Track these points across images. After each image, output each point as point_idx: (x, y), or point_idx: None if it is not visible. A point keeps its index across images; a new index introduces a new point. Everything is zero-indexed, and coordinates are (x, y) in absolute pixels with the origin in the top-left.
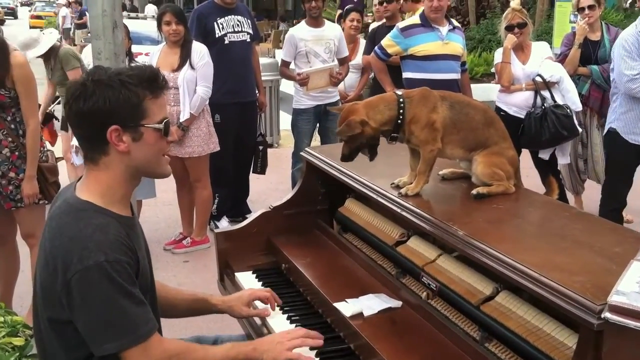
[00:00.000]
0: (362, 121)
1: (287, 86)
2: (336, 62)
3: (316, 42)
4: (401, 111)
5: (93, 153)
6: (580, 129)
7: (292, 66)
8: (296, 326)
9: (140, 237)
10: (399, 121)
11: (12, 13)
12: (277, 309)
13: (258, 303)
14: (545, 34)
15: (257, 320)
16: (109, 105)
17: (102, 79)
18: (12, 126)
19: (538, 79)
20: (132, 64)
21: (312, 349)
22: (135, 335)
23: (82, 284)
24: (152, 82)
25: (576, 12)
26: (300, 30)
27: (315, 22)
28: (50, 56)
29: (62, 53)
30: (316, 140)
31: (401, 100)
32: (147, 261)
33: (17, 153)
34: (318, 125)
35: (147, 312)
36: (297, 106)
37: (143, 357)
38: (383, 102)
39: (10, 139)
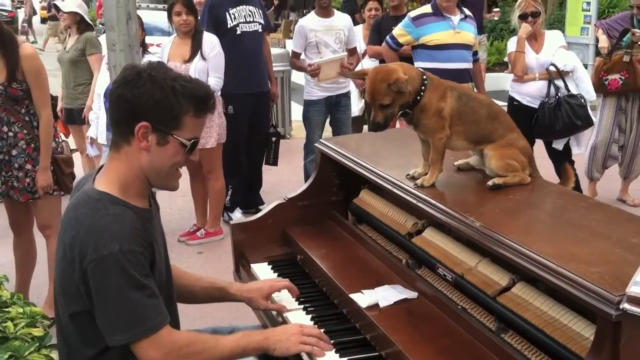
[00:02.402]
0: (407, 80)
1: (298, 77)
2: (346, 52)
3: (326, 33)
4: (423, 87)
5: (118, 138)
6: (592, 118)
7: (302, 57)
8: (312, 318)
9: (158, 231)
10: (418, 97)
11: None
12: (293, 299)
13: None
14: (557, 22)
15: (274, 312)
16: (150, 103)
17: (158, 76)
18: (27, 118)
19: (552, 68)
20: (146, 56)
21: None
22: (144, 327)
23: (96, 274)
24: (201, 101)
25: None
26: (310, 21)
27: (325, 12)
28: (76, 30)
29: (89, 35)
30: (327, 131)
31: (424, 77)
32: (164, 256)
33: (32, 145)
34: (329, 116)
35: (158, 305)
36: (308, 97)
37: (152, 349)
38: (413, 70)
39: (25, 131)
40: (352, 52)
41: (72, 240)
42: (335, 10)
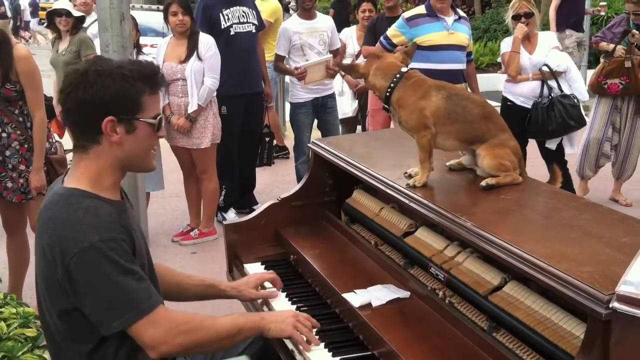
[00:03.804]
0: (362, 74)
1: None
2: (330, 55)
3: (310, 35)
4: (392, 85)
5: (85, 141)
6: (585, 118)
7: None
8: None
9: (134, 222)
10: (388, 94)
11: None
12: (284, 298)
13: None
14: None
15: (264, 307)
16: (108, 96)
17: (104, 69)
18: (20, 119)
19: (545, 68)
20: (140, 56)
21: (321, 340)
22: (139, 309)
23: (81, 267)
24: (152, 78)
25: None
26: (294, 24)
27: (308, 14)
28: (70, 31)
29: (83, 36)
30: (316, 132)
31: (398, 75)
32: (145, 250)
33: (26, 146)
34: (316, 118)
35: (148, 288)
36: (294, 100)
37: (151, 329)
38: (387, 69)
39: (19, 132)
40: (335, 53)
41: (49, 240)
42: (317, 12)
